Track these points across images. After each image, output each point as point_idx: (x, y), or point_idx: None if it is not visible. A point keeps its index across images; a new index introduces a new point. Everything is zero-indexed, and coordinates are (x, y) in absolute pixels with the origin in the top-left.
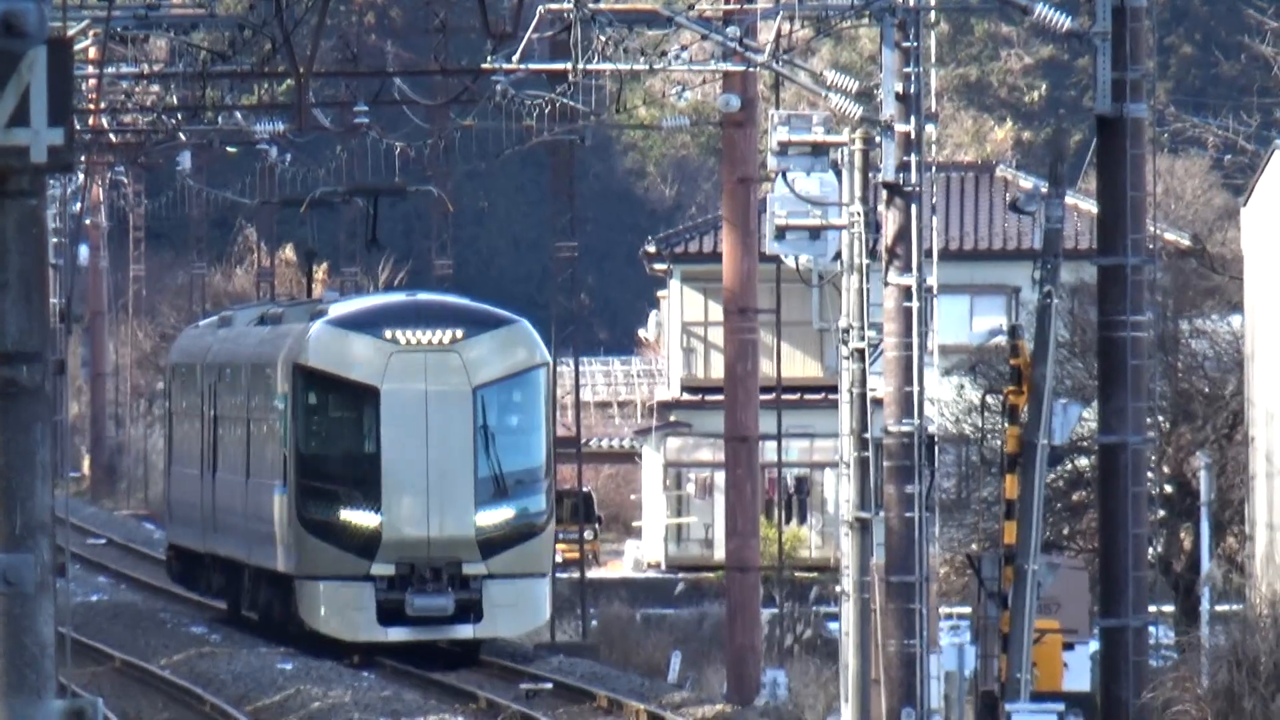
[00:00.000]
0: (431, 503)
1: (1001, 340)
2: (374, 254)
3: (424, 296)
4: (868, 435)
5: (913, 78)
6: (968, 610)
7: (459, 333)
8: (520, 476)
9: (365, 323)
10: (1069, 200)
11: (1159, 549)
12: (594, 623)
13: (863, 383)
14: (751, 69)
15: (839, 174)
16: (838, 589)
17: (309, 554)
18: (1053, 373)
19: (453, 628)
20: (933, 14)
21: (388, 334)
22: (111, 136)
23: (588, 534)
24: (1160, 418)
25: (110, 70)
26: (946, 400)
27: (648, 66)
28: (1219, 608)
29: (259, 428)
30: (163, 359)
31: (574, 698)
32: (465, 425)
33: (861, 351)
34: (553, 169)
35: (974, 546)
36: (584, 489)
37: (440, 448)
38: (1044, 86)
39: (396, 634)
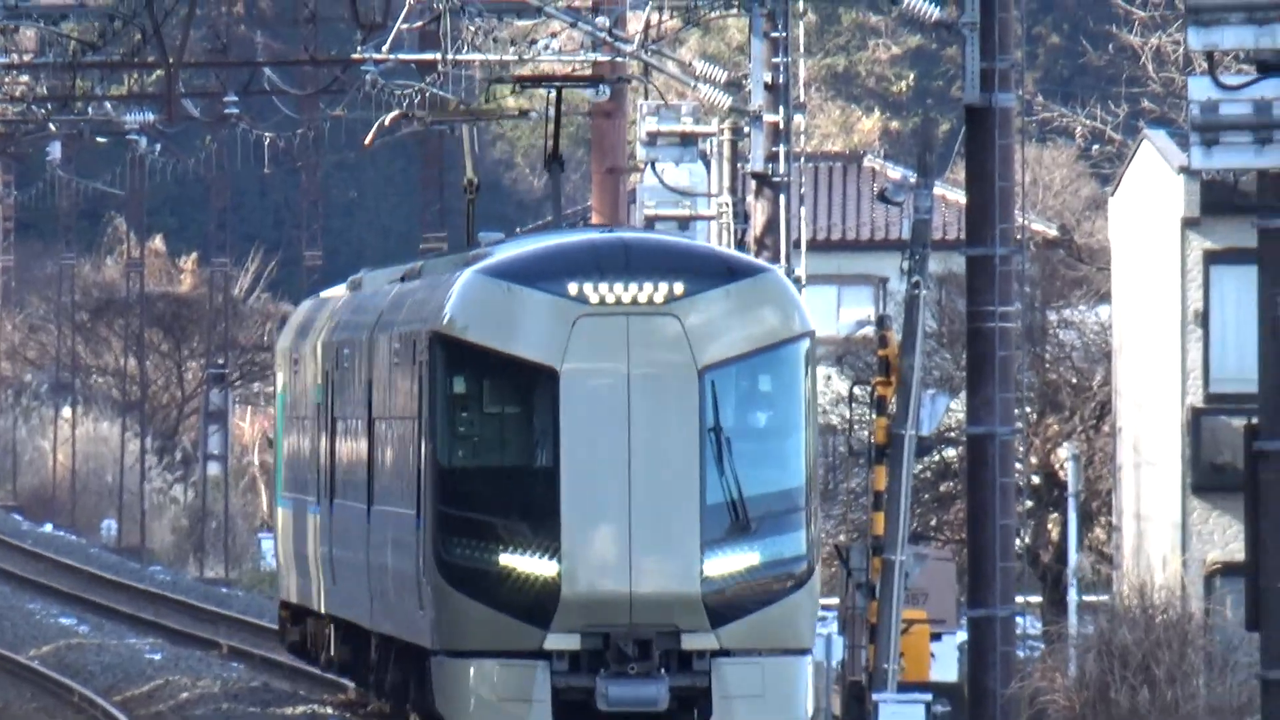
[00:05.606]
0: (636, 543)
1: (869, 331)
2: (556, 173)
3: (627, 234)
4: None
5: (781, 68)
6: (835, 601)
7: (679, 286)
8: (769, 503)
9: (537, 271)
10: (937, 190)
11: (1026, 540)
12: None
13: None
14: (620, 59)
15: (707, 164)
16: None
17: (453, 618)
18: (920, 363)
19: None
20: (801, 4)
21: (571, 288)
22: None
23: None
24: (1028, 408)
25: None
26: None
27: (517, 57)
28: (1086, 598)
29: (386, 431)
30: (32, 351)
31: None
32: (688, 426)
33: None
34: (422, 160)
35: (842, 537)
36: None
37: (650, 460)
38: (911, 76)
39: None
